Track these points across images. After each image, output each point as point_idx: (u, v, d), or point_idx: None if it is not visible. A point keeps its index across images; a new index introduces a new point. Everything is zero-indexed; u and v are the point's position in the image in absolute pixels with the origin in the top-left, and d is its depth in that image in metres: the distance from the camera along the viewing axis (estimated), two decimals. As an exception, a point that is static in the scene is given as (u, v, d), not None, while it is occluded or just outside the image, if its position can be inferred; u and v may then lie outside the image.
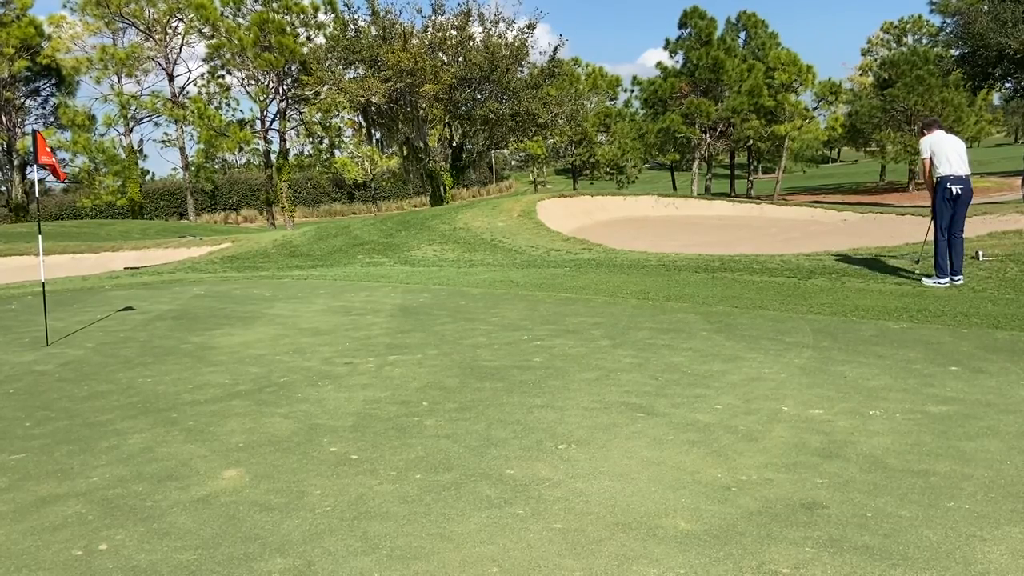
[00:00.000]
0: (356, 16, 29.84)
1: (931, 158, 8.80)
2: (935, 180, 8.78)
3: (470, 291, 9.74)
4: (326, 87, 29.44)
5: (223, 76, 39.92)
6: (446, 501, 3.26)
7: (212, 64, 39.47)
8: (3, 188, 44.99)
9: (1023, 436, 3.79)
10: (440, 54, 28.76)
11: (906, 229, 14.86)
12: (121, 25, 41.70)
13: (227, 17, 38.19)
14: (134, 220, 37.62)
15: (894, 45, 63.40)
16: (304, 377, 5.51)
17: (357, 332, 7.21)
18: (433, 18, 29.19)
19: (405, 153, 31.67)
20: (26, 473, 3.79)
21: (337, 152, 39.93)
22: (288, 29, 37.21)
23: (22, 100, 43.08)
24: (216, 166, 42.96)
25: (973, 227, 12.59)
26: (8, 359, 6.59)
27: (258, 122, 40.15)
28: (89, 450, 4.08)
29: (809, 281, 9.27)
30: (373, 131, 34.09)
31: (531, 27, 29.29)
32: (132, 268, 16.52)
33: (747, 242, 15.09)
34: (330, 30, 34.18)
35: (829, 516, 3.00)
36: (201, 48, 70.19)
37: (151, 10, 40.78)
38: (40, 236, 8.62)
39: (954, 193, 8.66)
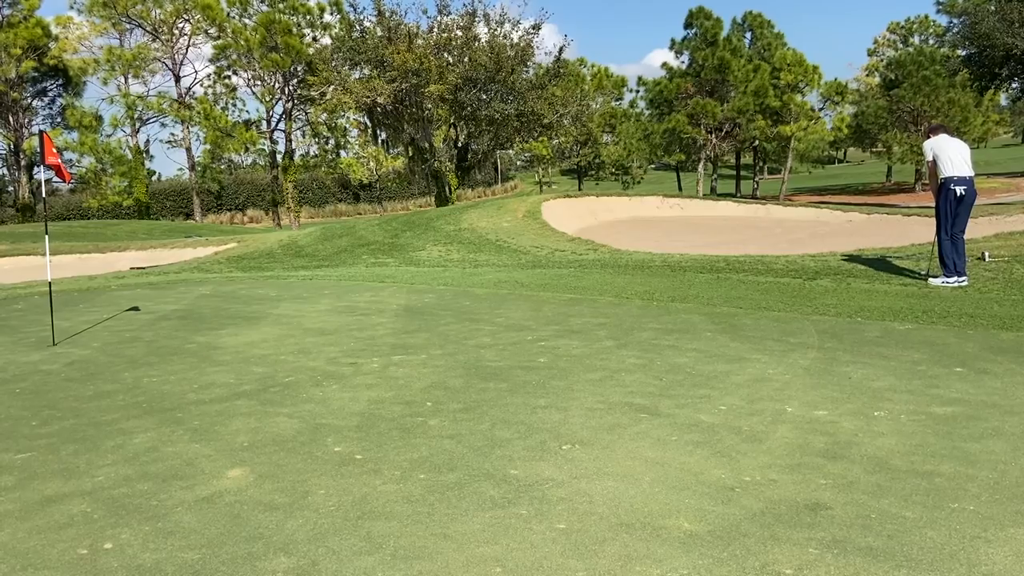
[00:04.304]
0: (362, 17, 29.92)
1: (935, 160, 8.80)
2: (939, 182, 8.79)
3: (475, 291, 9.75)
4: (332, 87, 29.49)
5: (229, 77, 40.07)
6: (450, 501, 3.27)
7: (218, 65, 39.63)
8: (10, 188, 45.22)
9: (1028, 438, 3.78)
10: (445, 54, 28.79)
11: (912, 230, 14.82)
12: (128, 26, 41.89)
13: (233, 18, 38.34)
14: (140, 220, 37.76)
15: (900, 45, 63.26)
16: (309, 377, 5.52)
17: (362, 332, 7.23)
18: (438, 19, 29.23)
19: (410, 154, 31.70)
20: (32, 472, 3.80)
21: (343, 152, 40.08)
22: (294, 30, 37.32)
23: (29, 101, 43.29)
24: (222, 166, 43.17)
25: (979, 228, 12.55)
26: (15, 359, 6.62)
27: (264, 122, 40.30)
28: (95, 449, 4.10)
29: (814, 282, 9.25)
30: (378, 132, 34.16)
31: (536, 27, 29.32)
32: (138, 268, 16.58)
33: (752, 243, 15.07)
34: (336, 31, 34.28)
35: (833, 517, 2.99)
36: (207, 49, 70.47)
37: (158, 11, 40.95)
38: (47, 236, 8.66)
39: (958, 194, 8.66)
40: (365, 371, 5.64)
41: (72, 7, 40.91)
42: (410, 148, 31.45)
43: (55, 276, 9.62)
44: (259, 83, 38.76)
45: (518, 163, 77.44)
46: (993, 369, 5.04)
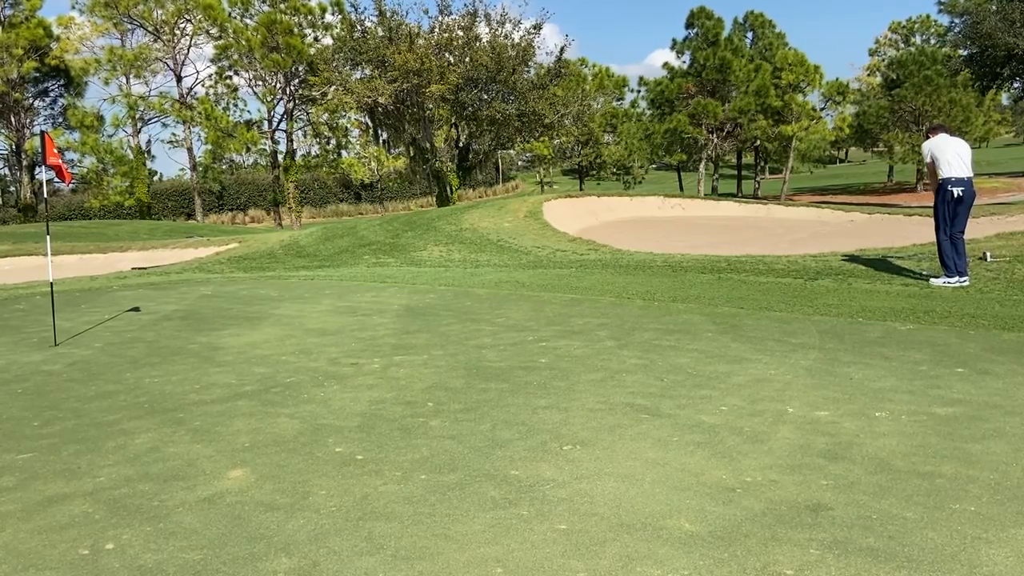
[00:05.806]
0: (363, 17, 29.91)
1: (933, 161, 8.79)
2: (937, 182, 8.79)
3: (476, 292, 9.75)
4: (333, 88, 29.48)
5: (231, 77, 40.08)
6: (451, 502, 3.27)
7: (220, 65, 39.64)
8: (12, 188, 45.31)
9: (1030, 438, 3.78)
10: (446, 54, 28.77)
11: (913, 230, 14.81)
12: (129, 26, 41.94)
13: (235, 18, 38.35)
14: (142, 220, 37.78)
15: (902, 45, 63.29)
16: (310, 377, 5.53)
17: (363, 333, 7.23)
18: (439, 19, 29.23)
19: (411, 154, 31.70)
20: (33, 473, 3.81)
21: (344, 153, 40.08)
22: (295, 30, 37.33)
23: (31, 101, 43.34)
24: (223, 167, 43.15)
25: (981, 228, 12.55)
26: (16, 359, 6.63)
27: (265, 123, 40.30)
28: (96, 450, 4.10)
29: (816, 282, 9.24)
30: (380, 132, 34.15)
31: (537, 27, 29.31)
32: (140, 268, 16.59)
33: (754, 243, 15.06)
34: (337, 31, 34.28)
35: (834, 518, 2.99)
36: (209, 49, 70.57)
37: (159, 11, 40.97)
38: (48, 236, 8.66)
39: (955, 195, 8.65)
40: (366, 372, 5.64)
41: (74, 7, 40.93)
42: (411, 148, 31.44)
43: (57, 276, 9.63)
44: (260, 83, 38.77)
45: (519, 163, 77.42)
46: (994, 370, 5.04)
